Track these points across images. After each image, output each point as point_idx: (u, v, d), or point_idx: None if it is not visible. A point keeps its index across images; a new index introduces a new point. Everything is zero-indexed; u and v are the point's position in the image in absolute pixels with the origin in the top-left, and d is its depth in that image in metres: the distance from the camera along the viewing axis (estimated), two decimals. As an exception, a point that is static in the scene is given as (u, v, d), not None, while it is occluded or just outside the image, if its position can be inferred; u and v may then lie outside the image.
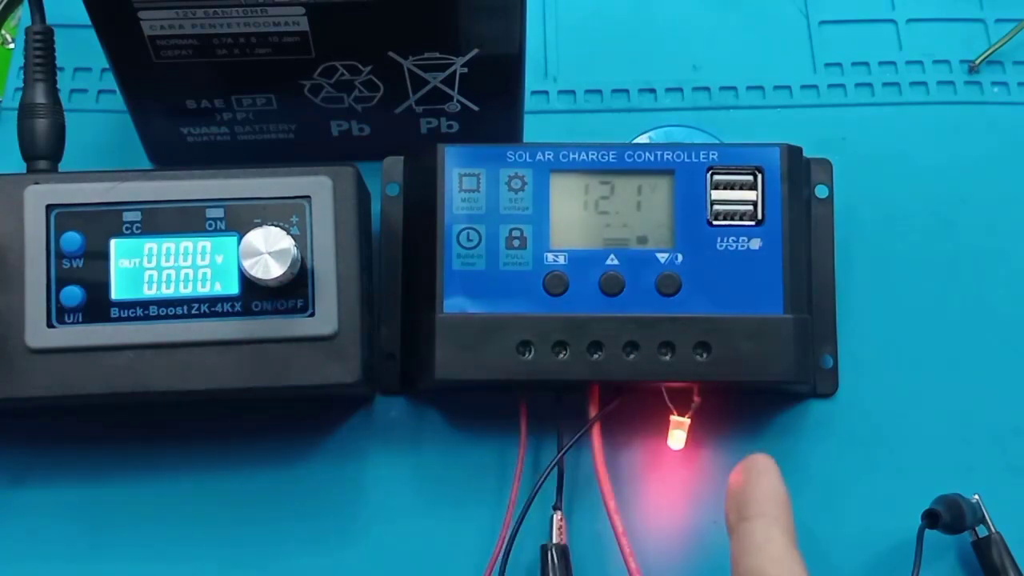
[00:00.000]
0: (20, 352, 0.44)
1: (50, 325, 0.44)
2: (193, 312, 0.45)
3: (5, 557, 0.48)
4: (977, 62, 0.57)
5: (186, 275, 0.45)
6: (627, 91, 0.57)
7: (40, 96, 0.49)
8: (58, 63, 0.50)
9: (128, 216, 0.45)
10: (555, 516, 0.47)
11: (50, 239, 0.45)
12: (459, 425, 0.50)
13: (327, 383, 0.45)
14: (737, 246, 0.48)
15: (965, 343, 0.52)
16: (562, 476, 0.48)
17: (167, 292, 0.45)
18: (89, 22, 0.45)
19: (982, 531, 0.47)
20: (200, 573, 0.48)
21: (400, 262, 0.51)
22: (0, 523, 0.49)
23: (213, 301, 0.45)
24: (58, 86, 0.50)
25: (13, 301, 0.44)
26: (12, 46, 0.59)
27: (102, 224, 0.45)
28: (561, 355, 0.47)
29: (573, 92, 0.57)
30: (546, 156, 0.48)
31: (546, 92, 0.57)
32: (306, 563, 0.48)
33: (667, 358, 0.46)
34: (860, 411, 0.51)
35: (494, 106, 0.51)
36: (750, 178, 0.48)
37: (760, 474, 0.41)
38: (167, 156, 0.53)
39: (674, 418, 0.48)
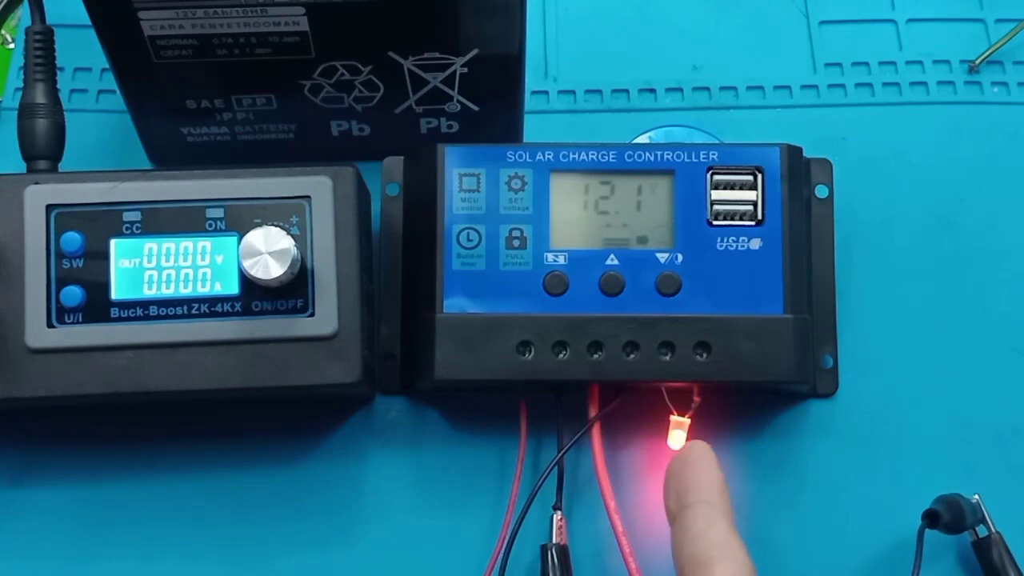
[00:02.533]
0: (20, 352, 0.44)
1: (50, 325, 0.44)
2: (193, 312, 0.45)
3: (5, 557, 0.48)
4: (977, 62, 0.57)
5: (186, 275, 0.45)
6: (627, 91, 0.57)
7: (40, 96, 0.49)
8: (58, 63, 0.50)
9: (128, 216, 0.45)
10: (555, 516, 0.47)
11: (50, 239, 0.45)
12: (459, 425, 0.50)
13: (327, 383, 0.45)
14: (737, 246, 0.48)
15: (965, 343, 0.52)
16: (562, 476, 0.48)
17: (167, 292, 0.45)
18: (89, 22, 0.45)
19: (982, 531, 0.47)
20: (200, 573, 0.48)
21: (400, 262, 0.51)
22: (0, 523, 0.49)
23: (213, 301, 0.45)
24: (58, 86, 0.50)
25: (13, 301, 0.44)
26: (12, 46, 0.59)
27: (102, 224, 0.45)
28: (561, 355, 0.47)
29: (573, 92, 0.57)
30: (546, 156, 0.48)
31: (546, 92, 0.57)
32: (306, 563, 0.48)
33: (667, 358, 0.46)
34: (860, 411, 0.51)
35: (494, 106, 0.51)
36: (750, 178, 0.48)
37: (698, 460, 0.41)
38: (167, 156, 0.53)
39: (674, 418, 0.48)
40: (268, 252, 0.42)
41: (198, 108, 0.50)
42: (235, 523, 0.49)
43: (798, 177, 0.49)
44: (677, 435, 0.48)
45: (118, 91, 0.49)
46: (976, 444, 0.50)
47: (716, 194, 0.48)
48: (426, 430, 0.50)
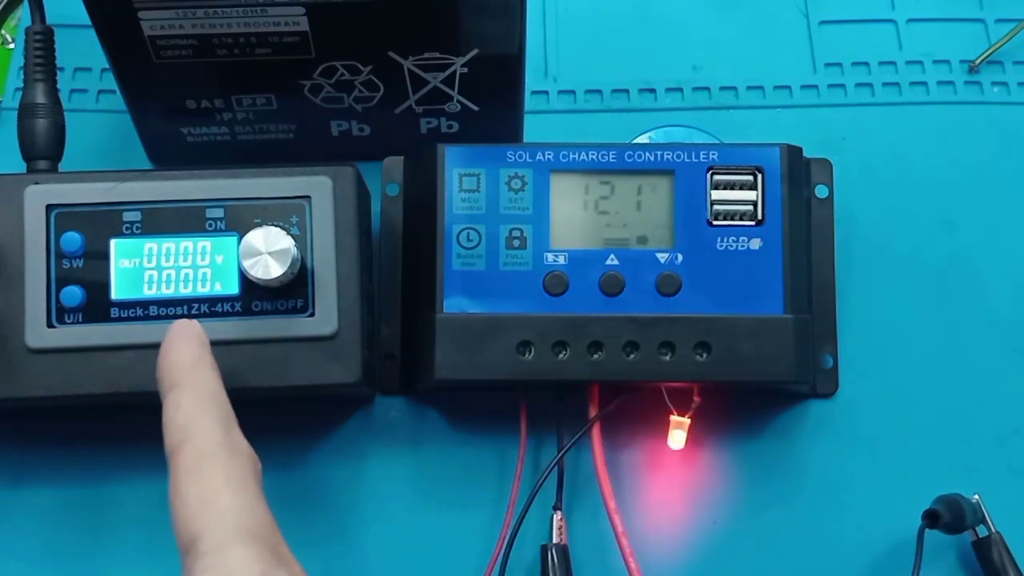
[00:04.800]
0: (20, 352, 0.44)
1: (50, 325, 0.44)
2: (193, 312, 0.45)
3: (5, 557, 0.48)
4: (977, 62, 0.57)
5: (186, 275, 0.45)
6: (627, 91, 0.57)
7: (40, 96, 0.49)
8: (58, 63, 0.50)
9: (128, 216, 0.45)
10: (555, 516, 0.47)
11: (50, 239, 0.45)
12: (459, 425, 0.50)
13: (327, 383, 0.45)
14: (737, 246, 0.48)
15: (965, 343, 0.52)
16: (562, 476, 0.48)
17: (167, 292, 0.45)
18: (89, 22, 0.45)
19: (982, 531, 0.47)
20: (200, 573, 0.48)
21: (400, 262, 0.51)
22: (0, 523, 0.49)
23: (213, 301, 0.45)
24: (58, 86, 0.50)
25: (13, 301, 0.44)
26: (12, 46, 0.59)
27: (102, 224, 0.45)
28: (561, 355, 0.47)
29: (573, 92, 0.57)
30: (546, 156, 0.48)
31: (546, 92, 0.57)
32: (306, 563, 0.48)
33: (667, 358, 0.46)
34: (860, 411, 0.51)
35: (494, 106, 0.51)
36: (750, 178, 0.48)
37: (169, 345, 0.40)
38: (167, 156, 0.53)
39: (674, 418, 0.48)
40: (268, 252, 0.42)
41: (198, 108, 0.50)
42: (235, 523, 0.49)
43: (798, 177, 0.49)
44: (677, 435, 0.48)
45: (118, 91, 0.49)
46: (976, 444, 0.50)
47: (716, 194, 0.48)
48: (426, 430, 0.50)
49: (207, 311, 0.45)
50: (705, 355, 0.46)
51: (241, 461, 0.36)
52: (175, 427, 0.37)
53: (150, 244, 0.45)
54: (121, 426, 0.49)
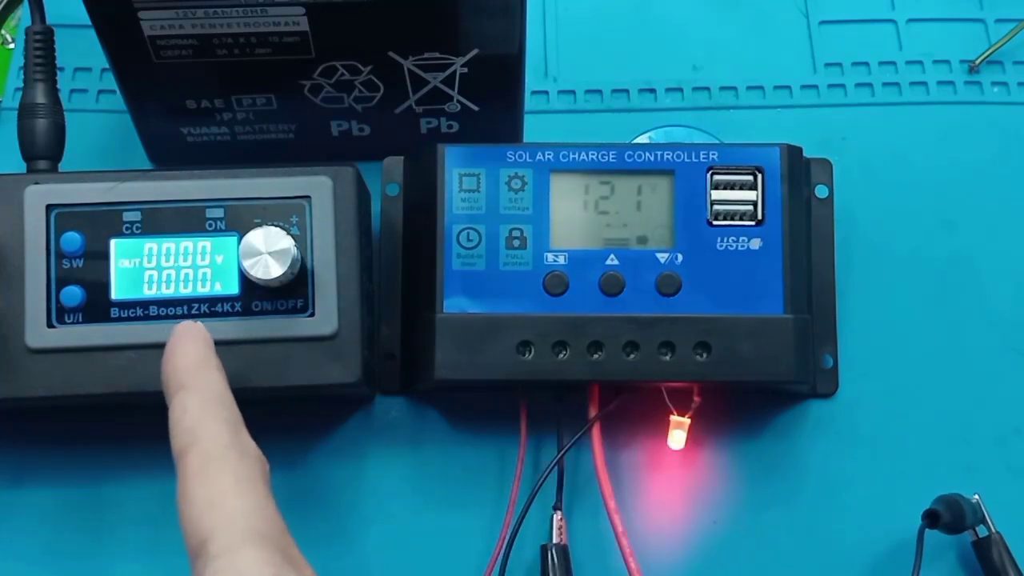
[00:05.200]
0: (20, 352, 0.44)
1: (50, 325, 0.44)
2: (193, 312, 0.45)
3: (5, 557, 0.48)
4: (977, 62, 0.57)
5: (186, 275, 0.45)
6: (627, 91, 0.57)
7: (40, 96, 0.49)
8: (58, 63, 0.50)
9: (128, 216, 0.45)
10: (555, 516, 0.47)
11: (50, 239, 0.45)
12: (459, 425, 0.50)
13: (327, 383, 0.45)
14: (737, 246, 0.48)
15: (965, 343, 0.52)
16: (562, 476, 0.48)
17: (167, 292, 0.45)
18: (89, 22, 0.45)
19: (982, 531, 0.47)
20: (200, 573, 0.48)
21: (400, 262, 0.51)
22: (0, 523, 0.49)
23: (213, 301, 0.45)
24: (58, 86, 0.50)
25: (13, 301, 0.44)
26: (12, 46, 0.59)
27: (102, 224, 0.45)
28: (561, 355, 0.47)
29: (573, 92, 0.57)
30: (546, 156, 0.48)
31: (546, 92, 0.57)
32: (306, 563, 0.48)
33: (667, 358, 0.46)
34: (860, 411, 0.51)
35: (494, 106, 0.51)
36: (750, 178, 0.48)
37: (173, 347, 0.39)
38: (167, 156, 0.53)
39: (674, 418, 0.48)
40: (268, 252, 0.42)
41: (198, 108, 0.50)
42: (235, 523, 0.49)
43: (798, 177, 0.49)
44: (677, 435, 0.48)
45: (118, 91, 0.49)
46: (976, 444, 0.50)
47: (716, 194, 0.48)
48: (426, 430, 0.50)
49: (207, 311, 0.45)
50: (705, 355, 0.46)
51: (249, 463, 0.36)
52: (182, 430, 0.37)
53: (150, 244, 0.45)
54: (121, 426, 0.49)
